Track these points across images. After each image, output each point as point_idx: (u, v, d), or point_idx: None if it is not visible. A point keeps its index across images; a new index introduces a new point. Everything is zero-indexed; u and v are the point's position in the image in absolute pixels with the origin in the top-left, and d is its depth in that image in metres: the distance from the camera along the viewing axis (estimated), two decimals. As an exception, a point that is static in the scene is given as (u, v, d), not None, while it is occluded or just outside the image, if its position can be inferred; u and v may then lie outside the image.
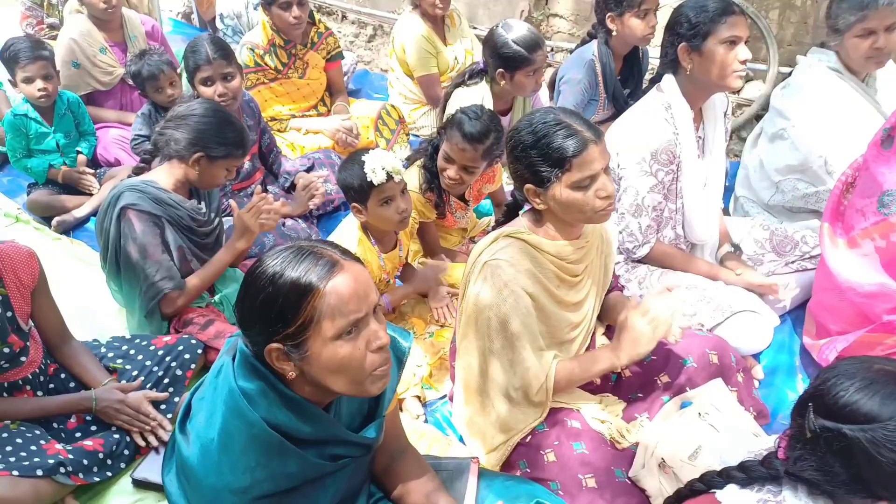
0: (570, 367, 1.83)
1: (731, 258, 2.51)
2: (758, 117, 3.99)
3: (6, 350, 1.90)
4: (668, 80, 2.33)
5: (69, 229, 3.28)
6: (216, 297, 2.54)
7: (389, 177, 2.20)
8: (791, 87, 2.73)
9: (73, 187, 3.40)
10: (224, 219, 2.67)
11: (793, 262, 2.54)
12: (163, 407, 2.10)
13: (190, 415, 1.43)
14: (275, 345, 1.27)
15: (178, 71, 3.43)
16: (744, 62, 2.18)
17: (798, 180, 2.70)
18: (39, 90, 3.20)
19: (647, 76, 3.56)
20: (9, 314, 1.90)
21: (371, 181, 2.19)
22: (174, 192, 2.35)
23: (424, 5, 3.84)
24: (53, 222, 3.25)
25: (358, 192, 2.25)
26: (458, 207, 2.82)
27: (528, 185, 1.76)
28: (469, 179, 2.56)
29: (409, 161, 2.76)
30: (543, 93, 3.56)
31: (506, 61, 2.93)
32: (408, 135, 3.95)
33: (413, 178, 2.62)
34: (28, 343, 1.97)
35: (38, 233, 3.18)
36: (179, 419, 1.44)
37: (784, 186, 2.74)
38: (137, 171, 2.48)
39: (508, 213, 1.98)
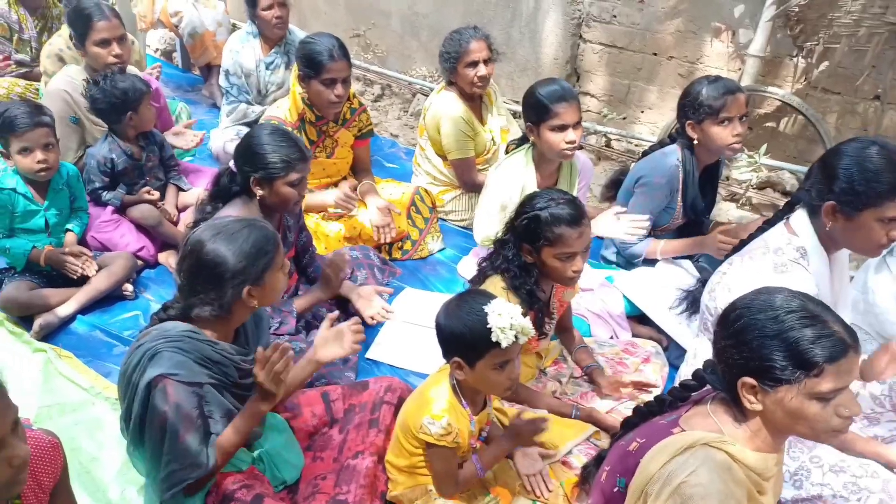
0: None
1: None
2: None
3: None
4: (803, 220, 2.06)
5: (52, 332, 2.68)
6: (255, 454, 2.05)
7: (516, 338, 1.78)
8: None
9: (57, 276, 2.81)
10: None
11: None
12: None
13: None
14: None
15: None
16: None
17: None
18: (39, 162, 2.69)
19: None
20: None
21: (497, 342, 1.76)
22: (218, 339, 1.89)
23: (462, 84, 3.48)
24: (35, 326, 2.64)
25: (469, 347, 1.81)
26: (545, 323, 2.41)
27: (746, 379, 1.41)
28: (587, 257, 2.27)
29: (473, 283, 2.34)
30: (586, 164, 3.32)
31: (530, 112, 2.76)
32: (437, 220, 3.55)
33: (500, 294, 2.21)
34: None
35: (14, 338, 2.59)
36: None
37: None
38: (169, 313, 1.92)
39: (685, 390, 1.62)
